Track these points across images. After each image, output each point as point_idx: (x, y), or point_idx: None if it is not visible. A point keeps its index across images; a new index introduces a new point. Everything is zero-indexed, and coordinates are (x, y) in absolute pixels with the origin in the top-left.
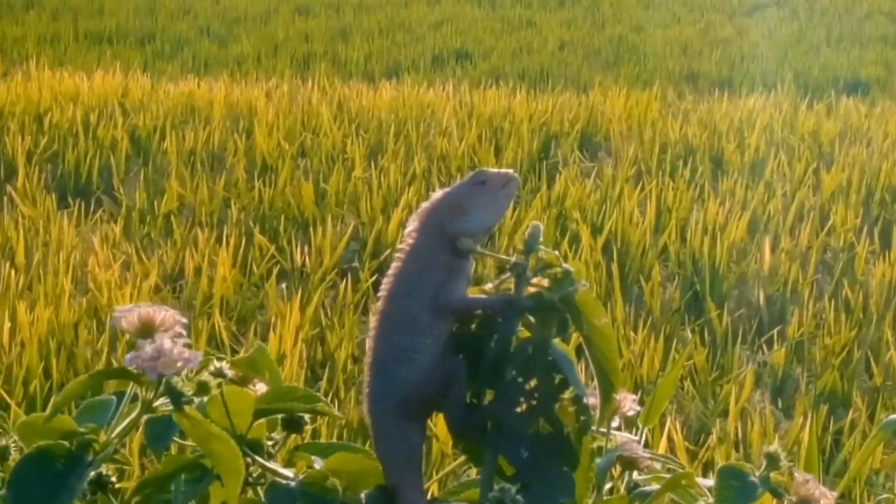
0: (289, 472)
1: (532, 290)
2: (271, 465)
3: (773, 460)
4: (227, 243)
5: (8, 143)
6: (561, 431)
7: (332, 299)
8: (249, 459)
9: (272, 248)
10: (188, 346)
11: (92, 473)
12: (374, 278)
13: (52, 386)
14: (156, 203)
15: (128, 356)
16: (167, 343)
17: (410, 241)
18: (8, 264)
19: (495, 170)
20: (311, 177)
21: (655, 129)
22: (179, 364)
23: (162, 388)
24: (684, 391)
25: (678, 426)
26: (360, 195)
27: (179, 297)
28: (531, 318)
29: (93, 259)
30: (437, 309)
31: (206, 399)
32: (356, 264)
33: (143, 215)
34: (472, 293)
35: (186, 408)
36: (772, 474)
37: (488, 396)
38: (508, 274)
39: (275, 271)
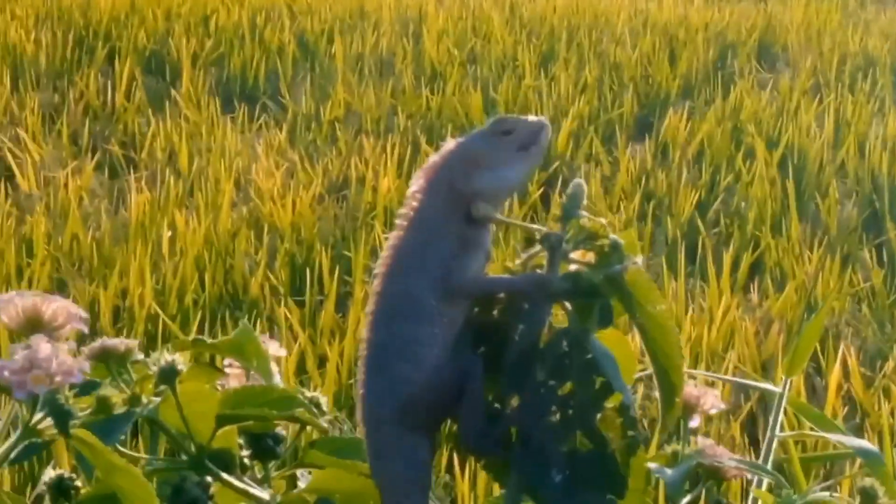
0: (265, 494)
1: (572, 267)
2: (241, 484)
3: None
4: (392, 152)
5: (173, 45)
6: (604, 449)
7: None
8: (210, 478)
9: None
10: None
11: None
12: (540, 191)
13: (206, 300)
14: (321, 109)
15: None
16: (44, 349)
17: (415, 203)
18: (168, 171)
19: (523, 117)
20: (480, 84)
21: (835, 39)
22: (58, 378)
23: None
24: (861, 314)
25: (853, 352)
26: (530, 104)
27: (343, 207)
28: (568, 305)
29: (256, 166)
30: (447, 291)
31: (157, 402)
32: None
33: (309, 121)
34: (493, 272)
35: (77, 431)
36: None
37: (513, 403)
38: (539, 248)
39: None
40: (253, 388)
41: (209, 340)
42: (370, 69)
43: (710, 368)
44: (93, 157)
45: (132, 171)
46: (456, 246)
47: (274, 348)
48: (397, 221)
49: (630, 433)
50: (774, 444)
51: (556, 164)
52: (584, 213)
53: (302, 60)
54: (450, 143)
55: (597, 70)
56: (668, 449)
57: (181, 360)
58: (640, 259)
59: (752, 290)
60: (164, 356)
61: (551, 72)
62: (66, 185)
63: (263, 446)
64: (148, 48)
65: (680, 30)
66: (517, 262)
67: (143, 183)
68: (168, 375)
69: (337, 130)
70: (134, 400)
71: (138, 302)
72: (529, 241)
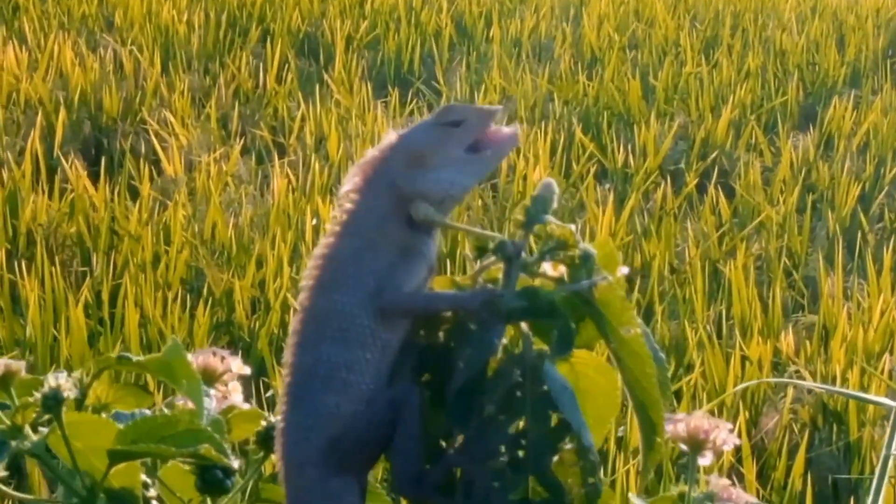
0: None
1: (537, 282)
2: None
3: None
4: (546, 140)
5: (326, 27)
6: (560, 498)
7: (651, 203)
8: None
9: (592, 146)
10: None
11: None
12: (697, 181)
13: None
14: (476, 94)
15: None
16: None
17: (348, 205)
18: (316, 157)
19: (478, 105)
20: (639, 70)
21: None
22: None
23: None
24: None
25: None
26: (691, 91)
27: (493, 196)
28: (524, 327)
29: None
30: (382, 308)
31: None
32: (682, 165)
33: None
34: (439, 286)
35: None
36: None
37: (455, 442)
38: (493, 258)
39: (592, 171)
40: (155, 420)
41: (135, 359)
42: (527, 54)
43: (865, 372)
44: (240, 142)
45: (280, 156)
46: (394, 255)
47: (236, 365)
48: (328, 226)
49: (591, 480)
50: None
51: (716, 153)
52: (551, 217)
53: (458, 44)
54: (391, 135)
55: (761, 56)
56: (674, 491)
57: (70, 385)
58: (624, 270)
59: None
60: (51, 380)
61: (713, 58)
62: (210, 171)
63: (210, 479)
64: (301, 30)
65: (850, 15)
66: (467, 274)
67: (287, 168)
68: (51, 403)
69: None
70: (13, 431)
71: (274, 294)
72: (482, 249)
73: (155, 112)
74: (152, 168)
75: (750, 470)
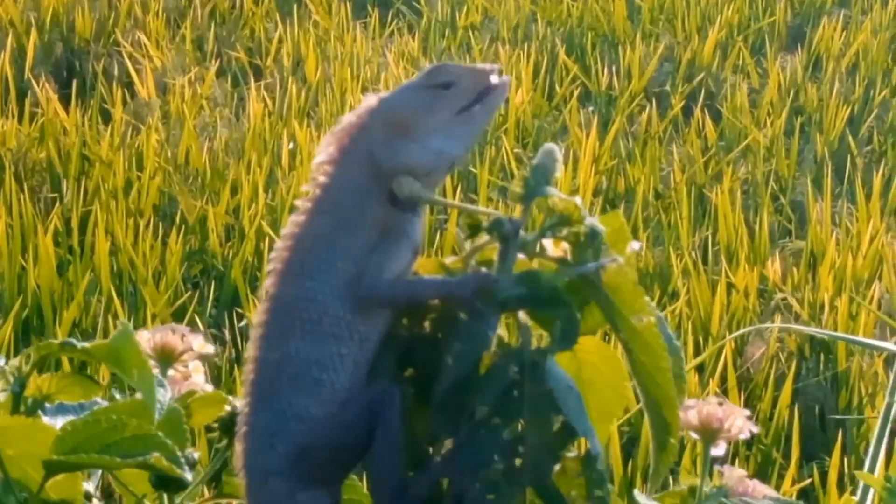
0: None
1: (536, 263)
2: None
3: None
4: (529, 62)
5: None
6: None
7: (636, 127)
8: None
9: (576, 68)
10: None
11: None
12: (683, 104)
13: None
14: (457, 15)
15: None
16: None
17: (322, 179)
18: (293, 79)
19: (471, 65)
20: None
21: None
22: None
23: None
24: None
25: None
26: (677, 11)
27: None
28: (522, 317)
29: (385, 75)
30: (360, 297)
31: None
32: (667, 88)
33: (443, 28)
34: (424, 270)
35: None
36: None
37: (442, 449)
38: (488, 238)
39: (576, 93)
40: (98, 424)
41: (80, 345)
42: None
43: (853, 300)
44: (216, 64)
45: (256, 78)
46: (374, 237)
47: (197, 343)
48: (298, 203)
49: (598, 493)
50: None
51: (702, 75)
52: (554, 189)
53: None
54: (370, 99)
55: None
56: (684, 485)
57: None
58: (635, 247)
59: None
60: None
61: None
62: (185, 94)
63: (165, 476)
64: None
65: None
66: (457, 257)
67: (264, 91)
68: None
69: (472, 38)
70: None
71: (249, 221)
72: (475, 228)
73: (129, 33)
74: (125, 91)
75: (736, 401)
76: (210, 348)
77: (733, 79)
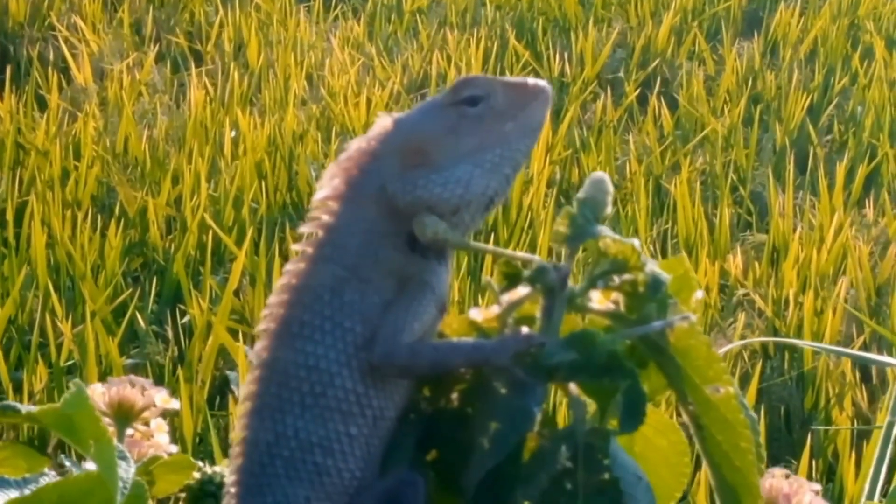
0: None
1: (583, 322)
2: None
3: None
4: (479, 47)
5: None
6: None
7: (590, 115)
8: None
9: (527, 54)
10: None
11: None
12: (638, 91)
13: (266, 211)
14: None
15: None
16: None
17: (326, 218)
18: (235, 65)
19: (500, 78)
20: None
21: None
22: None
23: None
24: None
25: None
26: None
27: None
28: (572, 388)
29: (329, 61)
30: (374, 364)
31: None
32: (621, 74)
33: (389, 13)
34: (451, 330)
35: None
36: None
37: None
38: (529, 289)
39: None
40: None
41: (24, 410)
42: None
43: (819, 294)
44: (155, 49)
45: (196, 64)
46: (389, 290)
47: (160, 398)
48: (297, 247)
49: None
50: None
51: (656, 62)
52: (606, 229)
53: None
54: (384, 120)
55: None
56: None
57: None
58: (698, 296)
59: (867, 205)
60: None
61: None
62: (123, 80)
63: None
64: None
65: None
66: (491, 312)
67: (205, 78)
68: None
69: (419, 23)
70: None
71: (191, 213)
72: (513, 277)
73: (64, 17)
74: (61, 77)
75: None
76: (175, 403)
77: (689, 65)
